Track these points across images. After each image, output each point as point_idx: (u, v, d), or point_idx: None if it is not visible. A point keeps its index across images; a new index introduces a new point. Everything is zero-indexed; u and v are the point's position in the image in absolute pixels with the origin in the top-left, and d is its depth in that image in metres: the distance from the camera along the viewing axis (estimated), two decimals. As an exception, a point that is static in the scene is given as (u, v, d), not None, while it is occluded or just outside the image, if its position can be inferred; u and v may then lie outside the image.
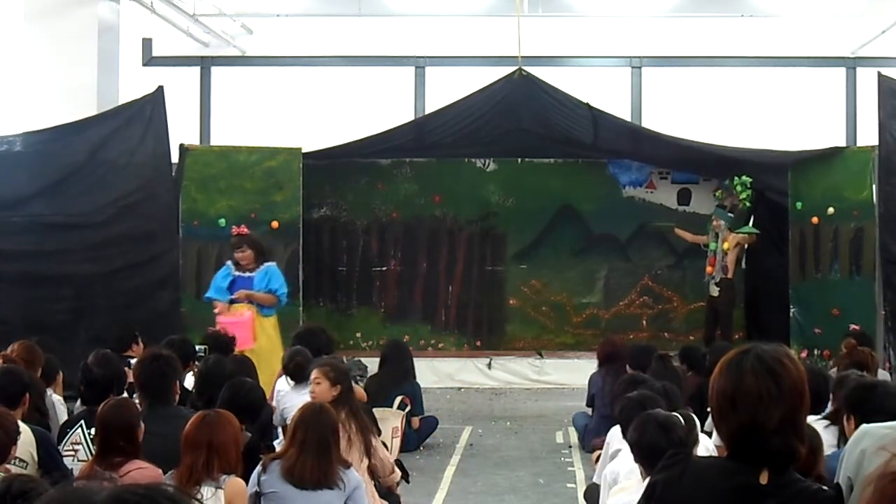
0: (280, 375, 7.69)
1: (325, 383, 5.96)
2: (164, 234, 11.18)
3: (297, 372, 7.10)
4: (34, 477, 4.25)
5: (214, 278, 9.85)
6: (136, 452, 4.53)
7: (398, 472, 6.18)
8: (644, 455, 4.26)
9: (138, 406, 5.13)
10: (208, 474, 4.34)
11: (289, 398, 7.00)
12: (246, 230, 10.13)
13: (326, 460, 4.72)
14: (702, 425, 6.00)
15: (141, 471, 4.40)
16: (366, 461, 5.64)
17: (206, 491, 4.31)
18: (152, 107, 11.18)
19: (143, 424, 4.66)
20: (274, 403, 7.48)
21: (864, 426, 3.76)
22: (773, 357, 2.48)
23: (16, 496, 2.72)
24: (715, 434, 4.72)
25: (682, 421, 4.59)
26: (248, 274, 9.62)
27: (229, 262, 9.82)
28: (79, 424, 5.24)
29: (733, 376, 2.48)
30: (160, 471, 4.45)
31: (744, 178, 11.78)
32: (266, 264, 9.72)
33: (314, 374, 6.10)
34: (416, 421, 9.17)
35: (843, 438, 4.65)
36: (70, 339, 10.04)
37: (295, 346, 7.77)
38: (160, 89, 11.27)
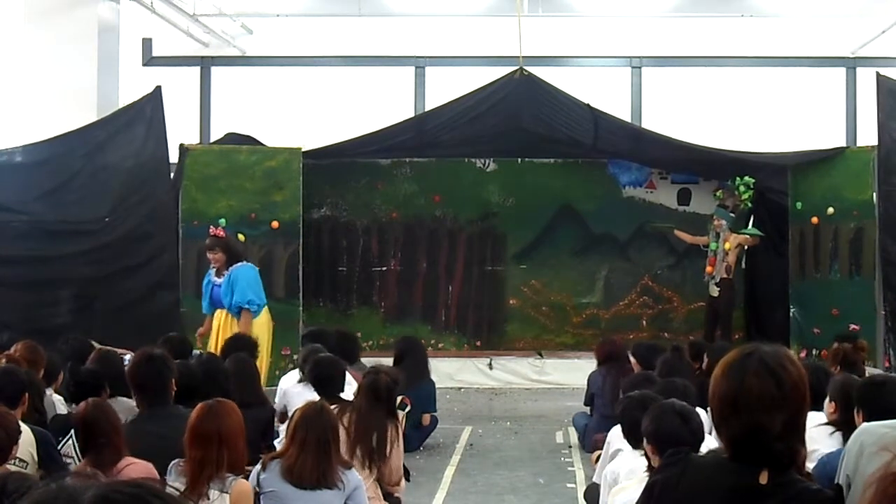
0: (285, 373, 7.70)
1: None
2: (162, 235, 11.18)
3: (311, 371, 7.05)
4: (28, 474, 4.25)
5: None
6: (122, 447, 4.51)
7: (404, 484, 6.18)
8: (662, 443, 4.10)
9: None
10: (219, 470, 4.32)
11: (297, 397, 6.98)
12: (222, 232, 9.89)
13: (326, 460, 4.72)
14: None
15: (133, 466, 4.38)
16: (367, 468, 5.65)
17: (213, 493, 4.30)
18: (152, 106, 11.19)
19: (121, 421, 4.65)
20: (276, 400, 7.50)
21: (863, 425, 3.77)
22: (776, 360, 2.46)
23: (12, 493, 2.70)
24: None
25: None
26: (219, 281, 9.50)
27: (212, 267, 9.73)
28: (70, 435, 5.16)
29: (736, 379, 2.46)
30: (150, 465, 4.43)
31: (746, 178, 11.77)
32: (233, 267, 9.47)
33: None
34: (427, 417, 9.16)
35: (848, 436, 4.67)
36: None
37: (314, 345, 7.79)
38: (158, 89, 11.28)
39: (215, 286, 9.55)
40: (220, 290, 9.45)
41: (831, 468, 3.95)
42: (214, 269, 9.65)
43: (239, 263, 9.55)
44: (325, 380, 6.50)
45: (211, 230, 10.00)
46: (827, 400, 5.00)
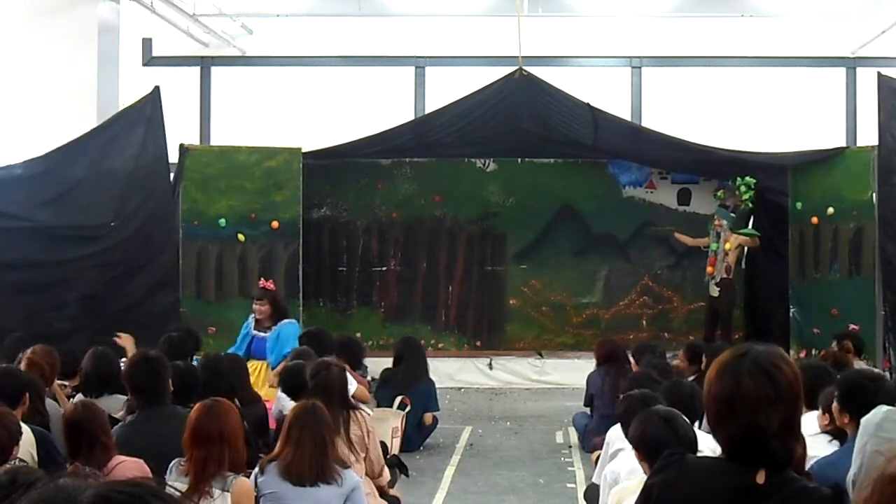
0: None
1: None
2: (161, 236, 11.18)
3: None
4: (36, 469, 4.26)
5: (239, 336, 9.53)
6: (111, 447, 4.51)
7: (387, 475, 6.17)
8: (649, 450, 4.15)
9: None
10: (220, 468, 4.33)
11: (289, 400, 6.98)
12: (272, 285, 9.82)
13: (323, 456, 4.74)
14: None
15: (124, 464, 4.39)
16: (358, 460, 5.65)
17: (215, 492, 4.31)
18: (151, 107, 11.20)
19: (107, 419, 4.67)
20: (275, 403, 7.48)
21: (874, 410, 3.86)
22: (769, 360, 2.47)
23: (21, 487, 2.71)
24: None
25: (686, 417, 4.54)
26: (262, 334, 9.30)
27: (251, 317, 9.50)
28: None
29: (730, 380, 2.46)
30: (142, 462, 4.44)
31: (747, 178, 11.77)
32: (281, 324, 9.27)
33: None
34: (429, 417, 9.17)
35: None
36: (73, 346, 10.04)
37: (301, 348, 7.80)
38: (156, 89, 11.29)
39: (257, 339, 9.33)
40: (265, 344, 9.22)
41: (833, 471, 3.96)
42: (255, 320, 9.44)
43: (286, 321, 9.35)
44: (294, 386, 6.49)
45: (261, 282, 9.92)
46: (819, 411, 4.98)
